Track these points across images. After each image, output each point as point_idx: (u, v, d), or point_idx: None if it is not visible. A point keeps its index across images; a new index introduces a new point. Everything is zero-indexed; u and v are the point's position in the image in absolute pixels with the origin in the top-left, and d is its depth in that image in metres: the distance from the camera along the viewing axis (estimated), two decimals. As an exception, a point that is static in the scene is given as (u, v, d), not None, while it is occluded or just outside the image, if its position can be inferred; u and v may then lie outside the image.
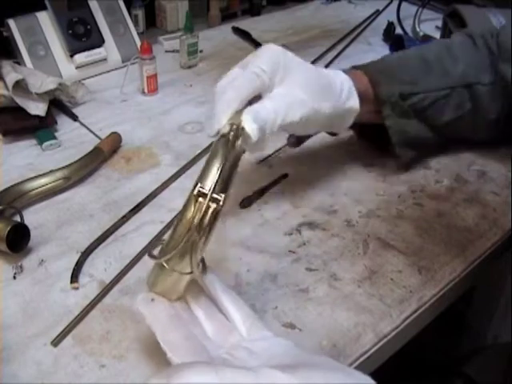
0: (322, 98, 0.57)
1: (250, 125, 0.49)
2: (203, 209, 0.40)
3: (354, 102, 0.61)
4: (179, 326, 0.41)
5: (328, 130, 0.65)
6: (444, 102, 0.67)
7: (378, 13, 1.22)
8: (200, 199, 0.40)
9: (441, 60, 0.68)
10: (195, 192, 0.40)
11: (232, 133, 0.45)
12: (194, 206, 0.40)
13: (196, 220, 0.40)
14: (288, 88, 0.55)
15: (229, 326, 0.43)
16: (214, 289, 0.45)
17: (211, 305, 0.45)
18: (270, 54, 0.56)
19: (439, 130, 0.69)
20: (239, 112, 0.50)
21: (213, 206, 0.40)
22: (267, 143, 0.54)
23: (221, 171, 0.41)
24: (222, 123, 0.49)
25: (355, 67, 0.67)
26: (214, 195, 0.40)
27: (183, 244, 0.40)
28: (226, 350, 0.41)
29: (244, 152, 0.49)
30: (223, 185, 0.42)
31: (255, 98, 0.53)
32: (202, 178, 0.42)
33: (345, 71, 0.63)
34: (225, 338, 0.42)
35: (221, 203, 0.40)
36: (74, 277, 0.53)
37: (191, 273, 0.42)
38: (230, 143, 0.44)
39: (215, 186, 0.41)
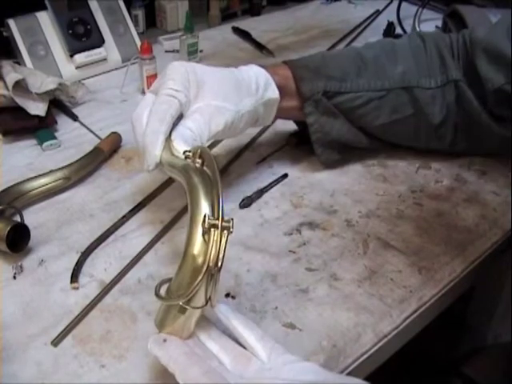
0: (240, 98, 0.57)
1: (182, 149, 0.49)
2: (218, 240, 0.38)
3: (273, 93, 0.61)
4: (196, 362, 0.39)
5: (255, 125, 0.64)
6: (378, 104, 0.65)
7: (378, 13, 1.22)
8: (212, 230, 0.38)
9: (378, 60, 0.66)
10: (206, 225, 0.38)
11: (197, 159, 0.44)
12: (205, 239, 0.39)
13: (213, 253, 0.38)
14: (204, 101, 0.55)
15: (246, 354, 0.42)
16: (227, 318, 0.43)
17: (223, 335, 0.43)
18: (178, 73, 0.55)
19: (374, 132, 0.68)
20: (168, 139, 0.51)
21: (225, 234, 0.39)
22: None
23: (218, 197, 0.40)
24: (158, 155, 0.50)
25: (284, 62, 0.66)
26: (224, 224, 0.39)
27: (200, 281, 0.38)
28: (249, 379, 0.39)
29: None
30: (222, 209, 0.40)
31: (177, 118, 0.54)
32: (195, 210, 0.40)
33: (263, 66, 0.62)
34: (245, 367, 0.41)
35: (231, 229, 0.39)
36: (74, 277, 0.53)
37: (204, 306, 0.40)
38: (198, 169, 0.43)
39: (221, 213, 0.39)
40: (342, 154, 0.69)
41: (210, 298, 0.40)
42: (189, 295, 0.38)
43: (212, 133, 0.54)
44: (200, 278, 0.38)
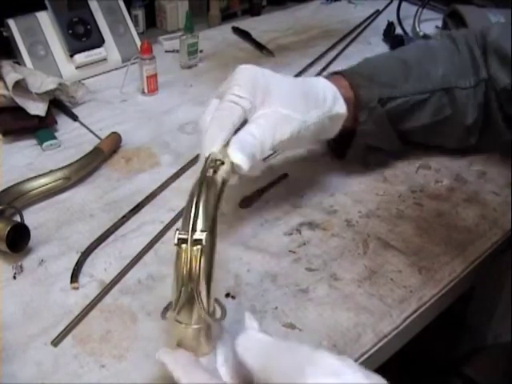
0: (307, 109, 0.56)
1: (237, 156, 0.48)
2: (188, 255, 0.37)
3: (341, 107, 0.60)
4: (203, 372, 0.38)
5: (317, 138, 0.64)
6: (422, 106, 0.66)
7: (378, 13, 1.22)
8: (183, 246, 0.37)
9: (421, 63, 0.66)
10: (175, 241, 0.38)
11: (208, 168, 0.43)
12: (180, 255, 0.38)
13: (185, 270, 0.37)
14: (271, 107, 0.54)
15: None
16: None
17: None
18: (245, 78, 0.54)
19: (411, 135, 0.68)
20: (225, 145, 0.49)
21: (196, 248, 0.37)
22: (261, 166, 0.54)
23: (195, 209, 0.39)
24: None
25: (335, 73, 0.65)
26: (196, 236, 0.37)
27: (182, 297, 0.37)
28: None
29: (226, 183, 0.45)
30: (206, 223, 0.39)
31: (241, 124, 0.52)
32: (182, 224, 0.39)
33: (325, 77, 0.62)
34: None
35: (203, 242, 0.37)
36: (74, 277, 0.53)
37: (197, 324, 0.39)
38: (204, 180, 0.42)
39: (193, 226, 0.38)
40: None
41: (211, 311, 0.39)
42: (175, 311, 0.38)
43: (276, 141, 0.53)
44: (173, 295, 0.37)
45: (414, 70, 0.66)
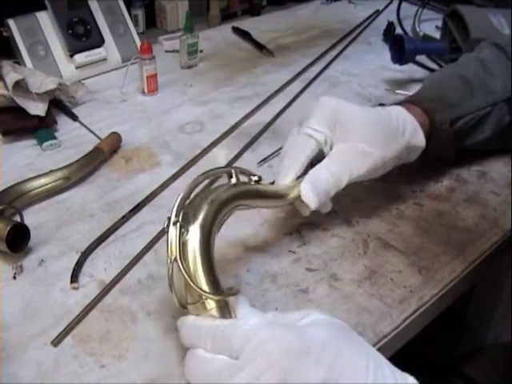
0: (386, 144, 0.56)
1: (308, 195, 0.52)
2: (169, 236, 0.41)
3: (421, 141, 0.59)
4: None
5: (394, 166, 0.62)
6: (485, 120, 0.66)
7: (378, 13, 1.22)
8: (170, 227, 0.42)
9: (480, 78, 0.66)
10: (165, 225, 0.42)
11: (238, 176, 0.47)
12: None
13: (168, 249, 0.41)
14: (349, 143, 0.54)
15: None
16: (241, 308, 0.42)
17: None
18: (323, 111, 0.55)
19: (474, 147, 0.68)
20: (299, 179, 0.53)
21: (172, 230, 0.41)
22: (330, 203, 0.56)
23: (180, 199, 0.43)
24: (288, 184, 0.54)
25: (407, 101, 0.64)
26: (173, 219, 0.41)
27: (172, 279, 0.40)
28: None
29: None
30: (192, 212, 0.42)
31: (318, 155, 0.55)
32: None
33: (403, 106, 0.61)
34: None
35: (178, 224, 0.41)
36: (74, 277, 0.53)
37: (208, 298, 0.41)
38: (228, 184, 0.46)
39: (177, 212, 0.42)
40: None
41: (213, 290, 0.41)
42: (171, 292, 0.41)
43: (353, 177, 0.54)
44: (167, 270, 0.40)
45: (476, 86, 0.66)
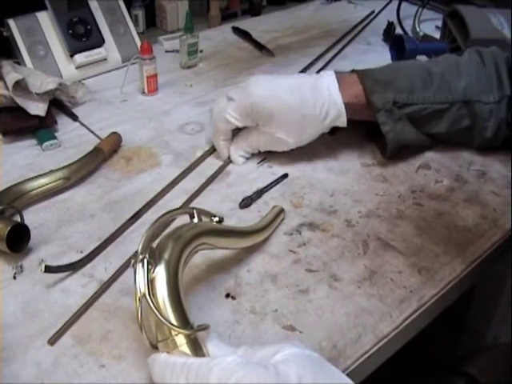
0: (303, 133, 0.66)
1: (234, 159, 0.70)
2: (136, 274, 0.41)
3: (341, 123, 0.66)
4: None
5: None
6: (440, 116, 0.68)
7: (378, 13, 1.22)
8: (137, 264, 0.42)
9: (444, 74, 0.68)
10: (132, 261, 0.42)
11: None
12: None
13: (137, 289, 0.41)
14: (270, 129, 0.66)
15: None
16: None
17: None
18: (244, 104, 0.64)
19: (430, 137, 0.71)
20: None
21: (140, 267, 0.41)
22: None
23: (146, 237, 0.43)
24: (225, 157, 0.71)
25: (355, 71, 0.69)
26: (140, 256, 0.41)
27: (141, 317, 0.41)
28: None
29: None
30: (159, 250, 0.43)
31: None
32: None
33: (338, 77, 0.66)
34: None
35: (146, 260, 0.41)
36: (50, 268, 0.51)
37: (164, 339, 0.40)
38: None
39: (143, 249, 0.42)
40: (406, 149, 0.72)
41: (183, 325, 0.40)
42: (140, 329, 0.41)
43: (268, 150, 0.69)
44: (135, 308, 0.41)
45: (436, 80, 0.68)
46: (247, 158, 0.71)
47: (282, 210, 0.61)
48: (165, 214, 0.47)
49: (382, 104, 0.66)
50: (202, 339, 0.41)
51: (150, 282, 0.41)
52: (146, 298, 0.40)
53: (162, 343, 0.40)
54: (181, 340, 0.40)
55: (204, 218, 0.49)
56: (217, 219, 0.51)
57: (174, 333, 0.40)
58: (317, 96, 0.65)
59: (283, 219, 0.61)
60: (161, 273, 0.41)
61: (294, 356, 0.38)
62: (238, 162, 0.70)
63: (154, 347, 0.41)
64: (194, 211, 0.49)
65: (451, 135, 0.71)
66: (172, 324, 0.40)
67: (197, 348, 0.40)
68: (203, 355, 0.40)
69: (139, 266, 0.41)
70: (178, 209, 0.52)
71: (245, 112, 0.65)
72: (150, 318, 0.40)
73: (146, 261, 0.41)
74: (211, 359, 0.38)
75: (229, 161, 0.71)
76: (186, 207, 0.54)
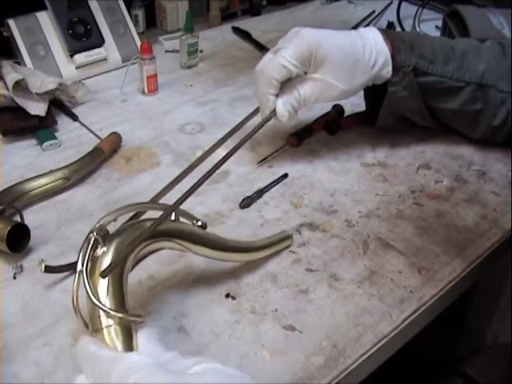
0: (353, 80, 0.64)
1: (281, 113, 0.64)
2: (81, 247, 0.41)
3: (387, 73, 0.66)
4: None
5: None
6: (454, 93, 0.69)
7: (378, 13, 1.22)
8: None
9: (466, 53, 0.69)
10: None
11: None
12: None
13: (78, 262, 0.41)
14: (322, 75, 0.63)
15: None
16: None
17: None
18: (300, 47, 0.62)
19: (437, 113, 0.71)
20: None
21: (85, 243, 0.41)
22: (296, 119, 0.68)
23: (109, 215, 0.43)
24: (268, 113, 0.65)
25: (384, 30, 0.69)
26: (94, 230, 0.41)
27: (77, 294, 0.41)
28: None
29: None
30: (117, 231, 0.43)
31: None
32: None
33: (382, 34, 0.66)
34: None
35: (95, 235, 0.40)
36: (49, 267, 0.52)
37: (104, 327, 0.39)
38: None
39: (100, 226, 0.41)
40: (397, 121, 0.73)
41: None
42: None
43: (319, 101, 0.65)
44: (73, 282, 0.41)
45: (458, 57, 0.68)
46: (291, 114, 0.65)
47: (288, 237, 0.57)
48: (137, 205, 0.46)
49: (402, 64, 0.66)
50: (136, 331, 0.39)
51: (92, 260, 0.40)
52: (82, 273, 0.39)
53: (92, 324, 0.39)
54: (109, 323, 0.38)
55: (185, 220, 0.47)
56: (199, 224, 0.48)
57: (102, 313, 0.38)
58: (365, 43, 0.65)
59: (288, 246, 0.57)
60: (107, 254, 0.40)
61: (212, 371, 0.35)
62: (284, 116, 0.64)
63: (87, 327, 0.40)
64: (174, 211, 0.46)
65: (459, 115, 0.71)
66: (101, 303, 0.38)
67: (126, 337, 0.39)
68: (131, 346, 0.38)
69: (86, 242, 0.40)
70: (150, 203, 0.51)
71: (301, 56, 0.62)
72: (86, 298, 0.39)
73: (93, 238, 0.40)
74: (120, 355, 0.37)
75: (274, 114, 0.65)
76: (163, 204, 0.50)
